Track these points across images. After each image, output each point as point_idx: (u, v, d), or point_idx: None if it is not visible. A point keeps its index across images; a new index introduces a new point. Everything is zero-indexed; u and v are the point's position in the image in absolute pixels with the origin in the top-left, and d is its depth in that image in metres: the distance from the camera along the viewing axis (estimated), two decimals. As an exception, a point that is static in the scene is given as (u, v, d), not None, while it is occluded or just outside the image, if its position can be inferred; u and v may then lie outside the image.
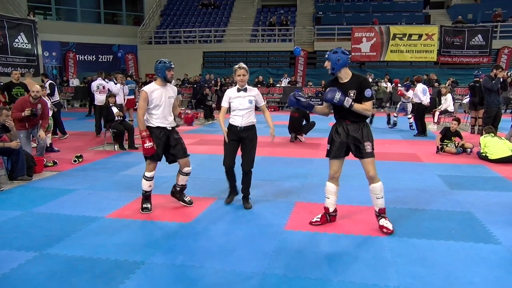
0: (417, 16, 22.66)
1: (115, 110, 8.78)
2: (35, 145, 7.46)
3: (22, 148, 6.25)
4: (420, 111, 10.42)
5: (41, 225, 4.40)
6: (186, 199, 5.01)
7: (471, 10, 22.78)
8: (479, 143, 7.77)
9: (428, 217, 4.59)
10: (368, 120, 4.41)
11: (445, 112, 11.93)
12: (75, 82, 20.02)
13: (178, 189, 4.96)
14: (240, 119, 4.76)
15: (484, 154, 7.47)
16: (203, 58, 22.68)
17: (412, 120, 11.29)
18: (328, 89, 4.07)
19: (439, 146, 8.22)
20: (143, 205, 4.79)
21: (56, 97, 10.47)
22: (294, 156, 7.98)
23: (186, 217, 4.60)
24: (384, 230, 4.14)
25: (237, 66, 4.85)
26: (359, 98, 4.01)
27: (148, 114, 4.64)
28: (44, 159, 7.02)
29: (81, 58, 22.32)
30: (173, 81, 19.53)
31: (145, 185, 4.74)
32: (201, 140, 9.68)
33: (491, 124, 8.53)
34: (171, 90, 4.77)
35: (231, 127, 4.85)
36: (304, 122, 9.86)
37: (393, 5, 24.18)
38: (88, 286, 3.13)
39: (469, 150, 8.08)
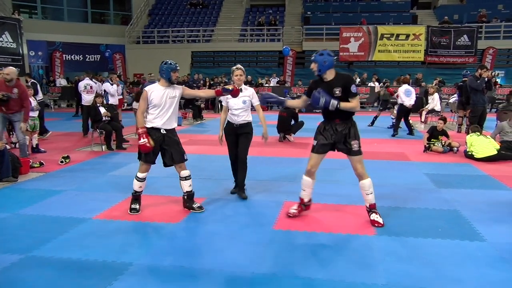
0: (404, 16, 22.85)
1: (102, 110, 8.71)
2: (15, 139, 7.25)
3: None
4: (401, 112, 10.44)
5: (27, 227, 4.34)
6: (195, 205, 4.80)
7: (457, 10, 23.06)
8: (465, 142, 7.87)
9: (416, 216, 4.63)
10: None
11: (432, 111, 12.05)
12: (62, 82, 19.79)
13: (185, 197, 4.82)
14: (235, 118, 5.14)
15: (470, 153, 7.56)
16: (192, 58, 22.60)
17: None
18: (314, 92, 4.12)
19: (426, 145, 8.31)
20: (132, 206, 4.74)
21: (40, 96, 10.34)
22: (283, 155, 8.00)
23: (174, 218, 4.58)
24: (376, 224, 4.27)
25: (234, 67, 5.18)
26: (346, 96, 4.09)
27: (147, 114, 4.61)
28: (30, 160, 6.93)
29: (68, 58, 22.07)
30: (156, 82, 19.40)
31: (136, 186, 4.70)
32: (190, 140, 9.65)
33: (476, 123, 8.64)
34: (175, 90, 4.65)
35: (228, 124, 5.25)
36: (292, 122, 9.89)
37: (381, 5, 24.36)
38: (75, 288, 3.10)
39: (455, 149, 8.18)
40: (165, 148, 4.62)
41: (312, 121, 12.26)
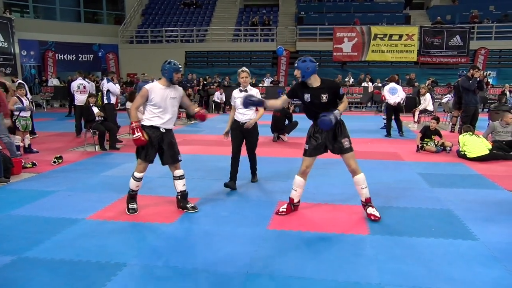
0: (397, 16, 22.97)
1: (95, 110, 8.66)
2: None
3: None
4: (388, 111, 10.47)
5: (19, 228, 4.30)
6: (189, 205, 4.78)
7: (450, 11, 23.21)
8: (458, 142, 7.93)
9: (409, 215, 4.66)
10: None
11: (425, 111, 12.12)
12: (54, 82, 19.65)
13: (179, 197, 4.81)
14: (241, 116, 5.61)
15: (463, 153, 7.62)
16: (185, 58, 22.55)
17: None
18: (320, 119, 4.20)
19: (419, 145, 8.35)
20: (130, 206, 4.70)
21: (28, 96, 10.25)
22: (277, 155, 8.01)
23: (169, 218, 4.57)
24: (372, 217, 4.41)
25: (240, 70, 5.64)
26: (335, 99, 4.35)
27: (146, 111, 4.57)
28: (22, 161, 6.88)
29: (61, 58, 21.94)
30: (155, 80, 19.34)
31: (133, 185, 4.67)
32: (183, 140, 9.63)
33: (469, 123, 8.70)
34: (175, 91, 4.64)
35: (235, 122, 5.69)
36: (286, 122, 9.90)
37: (374, 5, 24.46)
38: (68, 289, 3.09)
39: (448, 148, 8.23)
40: (163, 147, 4.61)
41: (306, 121, 12.25)
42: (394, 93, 10.22)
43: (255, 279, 3.23)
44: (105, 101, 9.45)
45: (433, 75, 19.34)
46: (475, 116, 9.29)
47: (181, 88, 4.77)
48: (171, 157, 4.64)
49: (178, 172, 4.72)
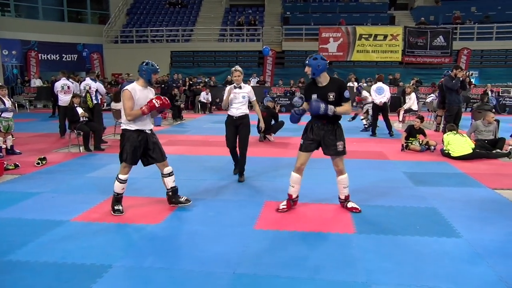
0: (382, 17, 23.19)
1: (80, 110, 8.56)
2: None
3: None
4: (375, 111, 10.53)
5: (1, 231, 4.22)
6: (182, 199, 4.89)
7: (433, 12, 23.52)
8: (442, 141, 8.03)
9: (395, 214, 4.71)
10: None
11: (409, 110, 12.25)
12: (36, 82, 19.31)
13: (170, 193, 4.85)
14: (235, 110, 5.93)
15: (447, 152, 7.72)
16: (171, 58, 22.42)
17: (364, 121, 11.33)
18: (312, 101, 4.35)
19: (404, 144, 8.44)
20: (115, 207, 4.67)
21: None
22: (263, 155, 8.01)
23: (154, 219, 4.53)
24: (354, 210, 4.65)
25: (233, 68, 5.96)
26: (339, 100, 4.37)
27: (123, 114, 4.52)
28: (5, 162, 6.76)
29: (44, 57, 21.59)
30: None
31: (118, 188, 4.63)
32: (169, 140, 9.57)
33: (452, 122, 8.83)
34: (151, 92, 4.70)
35: (229, 117, 6.01)
36: (272, 122, 9.91)
37: (359, 6, 24.66)
38: (53, 292, 3.04)
39: (432, 147, 8.34)
40: (148, 148, 4.61)
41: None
42: (381, 93, 10.27)
43: (242, 279, 3.23)
44: (94, 101, 9.37)
45: (418, 75, 19.57)
46: (459, 115, 9.43)
47: (153, 90, 4.82)
48: (161, 155, 4.68)
49: (168, 170, 4.75)
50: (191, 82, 18.07)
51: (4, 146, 7.92)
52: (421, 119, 8.88)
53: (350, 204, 4.72)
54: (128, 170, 4.62)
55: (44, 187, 5.79)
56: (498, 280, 3.19)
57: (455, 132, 7.90)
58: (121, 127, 4.65)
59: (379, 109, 10.39)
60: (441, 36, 20.09)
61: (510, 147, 7.83)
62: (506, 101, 16.30)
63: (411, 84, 15.03)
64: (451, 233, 4.12)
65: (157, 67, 4.65)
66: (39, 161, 7.16)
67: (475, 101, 15.12)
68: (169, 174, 4.77)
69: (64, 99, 10.20)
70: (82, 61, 22.35)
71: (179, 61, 22.65)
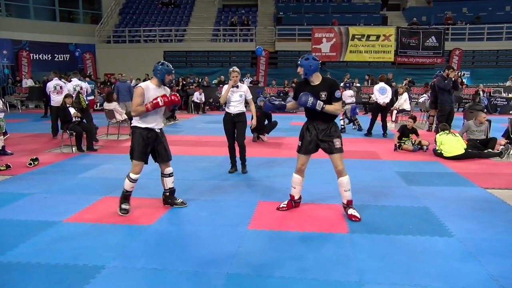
0: (374, 17, 23.28)
1: (72, 111, 8.50)
2: None
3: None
4: (374, 111, 10.56)
5: (-7, 232, 4.19)
6: (178, 201, 4.92)
7: (425, 12, 23.65)
8: (435, 141, 8.08)
9: (387, 213, 4.73)
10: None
11: (402, 111, 12.30)
12: (28, 82, 19.15)
13: (167, 194, 4.88)
14: (232, 108, 6.35)
15: (439, 151, 7.77)
16: (164, 58, 22.29)
17: (342, 121, 11.09)
18: (301, 94, 4.37)
19: (397, 144, 8.49)
20: (122, 206, 4.65)
21: None
22: (257, 155, 8.01)
23: (147, 219, 4.52)
24: (353, 218, 4.46)
25: (231, 69, 6.29)
26: (330, 99, 4.35)
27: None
28: (-4, 163, 6.70)
29: (36, 57, 21.41)
30: (133, 80, 19.03)
31: (128, 185, 4.64)
32: (162, 140, 9.53)
33: (444, 122, 8.89)
34: (165, 91, 4.68)
35: (226, 114, 6.40)
36: (266, 122, 9.92)
37: (351, 6, 24.72)
38: (45, 294, 3.02)
39: (425, 147, 8.39)
40: (157, 146, 4.64)
41: (285, 121, 12.34)
42: (384, 93, 10.24)
43: (235, 279, 3.23)
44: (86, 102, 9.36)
45: (410, 75, 19.66)
46: (451, 115, 9.49)
47: (168, 89, 4.82)
48: (166, 156, 4.72)
49: (169, 170, 4.80)
50: (184, 82, 18.03)
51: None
52: (414, 119, 8.93)
53: (350, 211, 4.53)
54: (140, 169, 4.61)
55: (36, 188, 5.75)
56: (490, 279, 3.22)
57: (447, 132, 7.95)
58: (132, 124, 4.67)
59: (380, 109, 10.39)
60: (433, 37, 20.22)
61: (502, 147, 7.89)
62: (497, 101, 16.44)
63: (403, 84, 15.11)
64: (444, 232, 4.14)
65: (172, 69, 4.68)
66: (31, 161, 7.10)
67: (467, 101, 15.23)
68: (170, 175, 4.80)
69: (56, 99, 10.12)
70: (75, 61, 22.20)
71: (172, 61, 22.32)
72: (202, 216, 4.65)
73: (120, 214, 4.62)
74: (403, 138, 8.56)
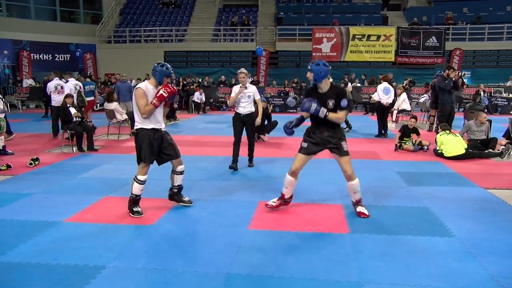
0: (375, 17, 23.27)
1: (73, 111, 8.51)
2: None
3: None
4: (379, 111, 10.57)
5: (-7, 232, 4.19)
6: (185, 199, 4.94)
7: (426, 12, 23.63)
8: (435, 141, 8.08)
9: (388, 213, 4.73)
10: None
11: (402, 111, 12.29)
12: (29, 82, 19.15)
13: (175, 190, 4.88)
14: (242, 109, 6.62)
15: (440, 152, 7.77)
16: (165, 58, 22.29)
17: None
18: (305, 100, 4.38)
19: (398, 144, 8.48)
20: (133, 209, 4.61)
21: None
22: (257, 155, 8.00)
23: (148, 220, 4.52)
24: (362, 216, 4.56)
25: (239, 71, 6.68)
26: (335, 107, 4.34)
27: (138, 113, 4.48)
28: (-3, 163, 6.71)
29: (36, 57, 21.42)
30: (133, 80, 18.99)
31: (137, 189, 4.59)
32: (163, 140, 9.54)
33: (445, 122, 8.88)
34: None
35: (236, 114, 6.68)
36: (266, 122, 9.91)
37: (352, 6, 24.72)
38: (45, 294, 3.02)
39: (426, 147, 8.39)
40: (164, 145, 4.61)
41: (286, 121, 12.29)
42: (388, 93, 10.23)
43: (235, 279, 3.23)
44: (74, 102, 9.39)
45: (411, 75, 19.66)
46: (451, 115, 9.49)
47: None
48: (175, 152, 4.71)
49: (182, 168, 4.81)
50: (184, 82, 18.04)
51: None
52: (415, 118, 8.91)
53: (359, 209, 4.62)
54: (147, 170, 4.59)
55: (37, 188, 5.75)
56: (490, 279, 3.22)
57: (448, 132, 7.94)
58: (136, 128, 4.59)
59: (384, 109, 10.37)
60: (433, 37, 20.21)
61: (502, 147, 7.88)
62: (498, 101, 16.43)
63: (404, 85, 15.11)
64: (444, 233, 4.14)
65: (171, 72, 4.61)
66: (31, 161, 7.11)
67: (468, 101, 15.22)
68: (181, 173, 4.82)
69: (57, 99, 10.14)
70: (75, 61, 22.21)
71: (172, 61, 22.52)
72: (203, 216, 4.66)
73: (133, 216, 4.58)
74: (404, 138, 8.56)
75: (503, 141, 8.21)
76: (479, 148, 7.93)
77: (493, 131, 9.09)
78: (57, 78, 10.72)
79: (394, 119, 12.31)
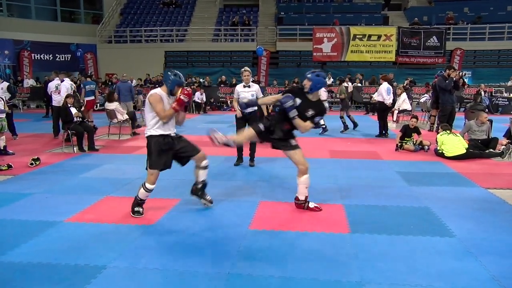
0: (376, 17, 23.26)
1: (73, 110, 8.52)
2: None
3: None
4: (381, 111, 10.55)
5: (-6, 232, 4.20)
6: (208, 198, 4.90)
7: (426, 12, 23.63)
8: (436, 141, 8.07)
9: (388, 213, 4.73)
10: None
11: (403, 111, 12.29)
12: (29, 82, 19.17)
13: (199, 186, 4.83)
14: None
15: (440, 151, 7.76)
16: (165, 58, 22.35)
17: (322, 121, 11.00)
18: (286, 94, 4.49)
19: (398, 144, 8.48)
20: (135, 209, 4.60)
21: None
22: (257, 155, 7.99)
23: (149, 220, 4.52)
24: (316, 209, 4.72)
25: (243, 69, 6.72)
26: (311, 117, 4.48)
27: (152, 121, 4.44)
28: (-2, 163, 6.71)
29: (37, 57, 21.44)
30: (134, 80, 18.98)
31: (143, 195, 4.57)
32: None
33: (445, 122, 8.88)
34: (173, 98, 4.58)
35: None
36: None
37: (353, 6, 24.72)
38: (46, 294, 3.03)
39: (426, 147, 8.38)
40: (177, 148, 4.58)
41: (287, 121, 12.18)
42: (390, 93, 10.20)
43: (236, 279, 3.23)
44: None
45: (411, 75, 19.65)
46: (452, 115, 9.48)
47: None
48: (193, 149, 4.70)
49: (206, 162, 4.78)
50: (185, 82, 18.05)
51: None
52: (416, 118, 8.90)
53: (311, 204, 4.75)
54: (155, 178, 4.51)
55: (38, 188, 5.76)
56: (491, 279, 3.22)
57: (449, 132, 7.94)
58: (146, 135, 4.55)
59: (385, 109, 10.37)
60: (434, 37, 20.19)
61: (503, 147, 7.88)
62: (498, 101, 16.42)
63: (404, 84, 15.10)
64: (444, 232, 4.14)
65: (184, 81, 4.57)
66: (32, 161, 7.11)
67: (469, 101, 15.22)
68: (206, 167, 4.79)
69: (57, 99, 10.15)
70: (76, 61, 22.23)
71: (173, 61, 22.58)
72: (203, 215, 4.66)
73: (134, 216, 4.58)
74: (405, 138, 8.55)
75: (504, 141, 8.20)
76: (480, 148, 7.93)
77: (494, 131, 9.07)
78: (57, 78, 10.74)
79: (394, 119, 12.30)
